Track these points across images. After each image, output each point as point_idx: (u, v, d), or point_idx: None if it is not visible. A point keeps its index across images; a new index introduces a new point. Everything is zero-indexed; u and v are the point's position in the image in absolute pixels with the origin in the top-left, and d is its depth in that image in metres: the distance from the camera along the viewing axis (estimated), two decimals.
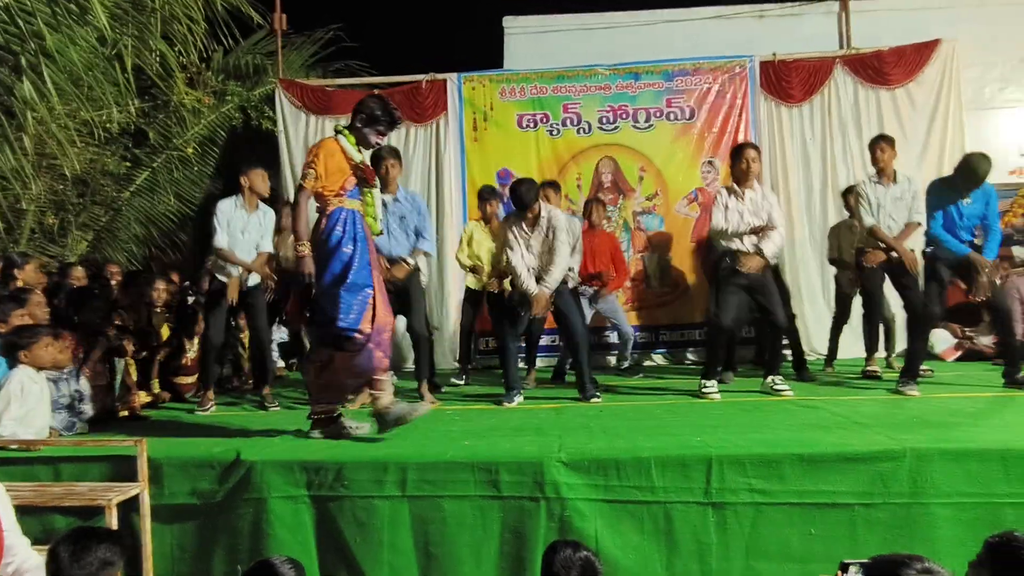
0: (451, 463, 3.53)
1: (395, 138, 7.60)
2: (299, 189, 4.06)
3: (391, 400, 4.05)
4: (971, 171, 4.90)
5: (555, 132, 7.50)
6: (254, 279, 5.27)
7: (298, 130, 7.71)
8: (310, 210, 4.09)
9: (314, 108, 7.69)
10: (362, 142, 4.12)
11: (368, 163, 4.21)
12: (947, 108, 7.23)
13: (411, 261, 5.25)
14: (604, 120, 7.48)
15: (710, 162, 7.41)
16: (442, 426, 4.36)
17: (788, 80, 7.36)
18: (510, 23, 8.72)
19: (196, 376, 5.75)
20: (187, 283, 6.80)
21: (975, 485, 3.30)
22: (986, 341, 6.48)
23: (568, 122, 7.49)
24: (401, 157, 5.49)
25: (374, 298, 3.95)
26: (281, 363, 7.31)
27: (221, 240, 5.08)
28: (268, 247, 5.32)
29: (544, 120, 7.52)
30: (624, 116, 7.47)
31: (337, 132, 4.13)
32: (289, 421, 4.56)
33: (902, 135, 7.09)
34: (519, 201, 5.07)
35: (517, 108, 7.54)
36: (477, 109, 7.56)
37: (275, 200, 6.37)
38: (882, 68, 7.28)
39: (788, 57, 7.44)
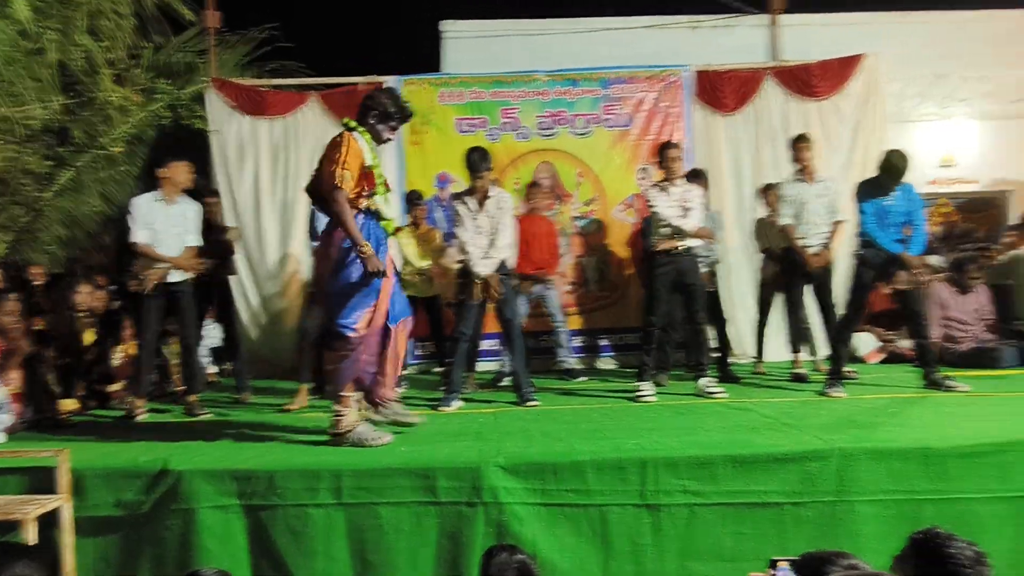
0: (388, 469, 3.49)
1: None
2: (336, 190, 3.79)
3: (354, 420, 3.94)
4: (892, 167, 5.11)
5: (494, 137, 7.51)
6: (178, 276, 5.07)
7: (231, 131, 7.52)
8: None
9: (248, 108, 7.53)
10: (375, 138, 4.03)
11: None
12: (871, 120, 7.50)
13: None
14: (542, 125, 7.53)
15: (645, 168, 7.53)
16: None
17: (721, 89, 7.54)
18: (448, 27, 8.72)
19: (123, 382, 5.55)
20: (113, 287, 6.56)
21: (897, 483, 3.42)
22: (907, 344, 6.75)
23: (507, 127, 7.52)
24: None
25: (376, 305, 3.87)
26: (214, 368, 7.12)
27: (139, 236, 4.89)
28: (195, 241, 5.14)
29: (483, 124, 7.53)
30: (562, 122, 7.53)
31: (351, 128, 3.96)
32: (220, 428, 4.44)
33: (828, 145, 7.36)
34: (471, 166, 5.04)
35: (456, 112, 7.53)
36: (416, 112, 7.49)
37: (211, 195, 6.24)
38: (810, 80, 7.52)
39: (721, 67, 7.62)
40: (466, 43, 8.65)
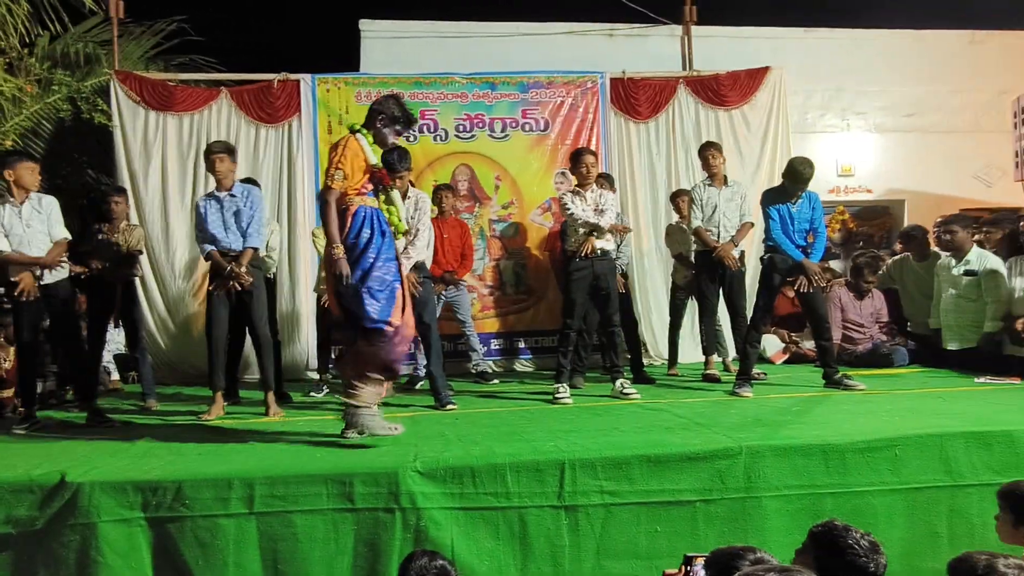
0: (302, 476, 3.41)
1: (243, 139, 7.31)
2: (327, 190, 3.98)
3: (368, 409, 3.99)
4: (796, 174, 5.33)
5: (411, 138, 7.45)
6: (50, 277, 4.82)
7: (136, 126, 7.20)
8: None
9: (154, 104, 7.23)
10: (380, 142, 4.15)
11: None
12: (777, 130, 7.83)
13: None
14: (461, 128, 7.53)
15: (563, 173, 7.62)
16: (293, 438, 4.21)
17: (636, 97, 7.71)
18: (367, 26, 8.59)
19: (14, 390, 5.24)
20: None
21: (800, 478, 3.57)
22: (810, 345, 7.06)
23: (425, 128, 7.47)
24: (234, 152, 5.27)
25: (402, 291, 4.01)
26: (116, 375, 6.80)
27: (1, 244, 4.66)
28: (61, 234, 4.89)
29: None
30: (480, 125, 7.55)
31: (355, 131, 4.09)
32: (123, 437, 4.24)
33: (738, 154, 7.63)
34: (388, 166, 5.00)
35: None
36: (332, 112, 7.38)
37: (116, 193, 5.96)
38: (720, 90, 7.79)
39: (636, 75, 7.79)
40: (385, 43, 8.55)
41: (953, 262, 6.06)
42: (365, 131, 4.10)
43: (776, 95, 7.83)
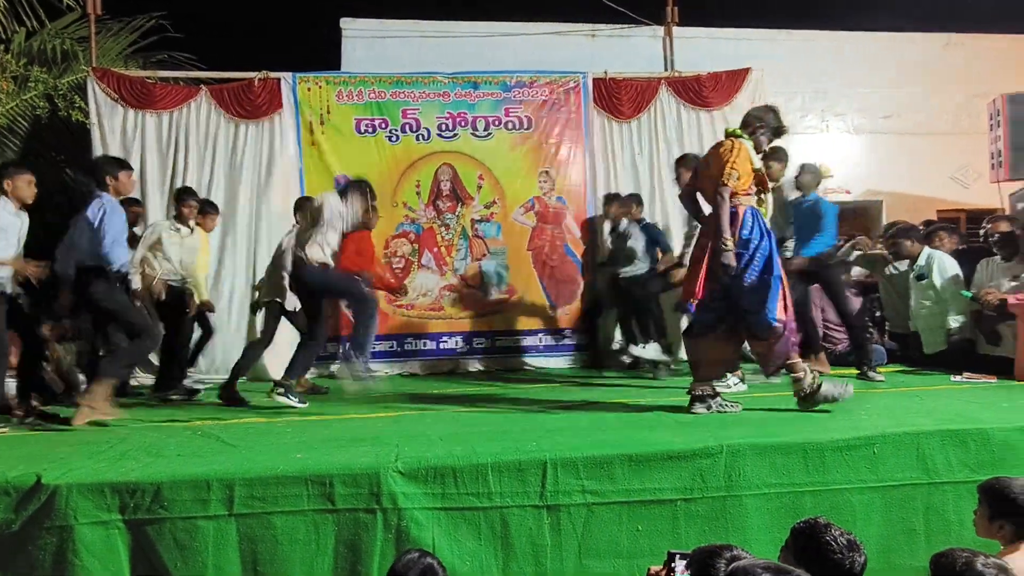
0: (282, 477, 3.38)
1: (223, 137, 7.26)
2: (722, 187, 4.32)
3: (812, 379, 4.38)
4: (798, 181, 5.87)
5: (394, 138, 7.44)
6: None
7: (114, 124, 7.12)
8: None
9: (133, 101, 7.15)
10: (756, 147, 4.51)
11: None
12: None
13: None
14: (443, 127, 7.51)
15: (546, 172, 7.64)
16: (272, 439, 4.18)
17: (618, 97, 7.74)
18: (347, 25, 8.56)
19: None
20: None
21: (780, 476, 3.59)
22: None
23: (407, 128, 7.45)
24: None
25: (783, 290, 4.35)
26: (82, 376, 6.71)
27: None
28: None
29: (383, 125, 7.44)
30: (463, 124, 7.54)
31: (737, 136, 4.45)
32: (99, 439, 4.19)
33: None
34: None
35: (355, 112, 7.41)
36: (313, 111, 7.34)
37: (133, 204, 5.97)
38: (701, 91, 7.83)
39: (618, 76, 7.82)
40: (366, 42, 8.52)
41: (905, 265, 6.29)
42: (747, 137, 4.47)
43: (756, 97, 7.87)
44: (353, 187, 5.40)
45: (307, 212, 5.45)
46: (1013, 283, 5.56)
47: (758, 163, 4.48)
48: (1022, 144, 7.13)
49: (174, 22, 8.98)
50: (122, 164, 5.10)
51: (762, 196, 4.53)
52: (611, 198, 7.04)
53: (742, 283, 4.33)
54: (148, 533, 3.28)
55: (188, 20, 9.11)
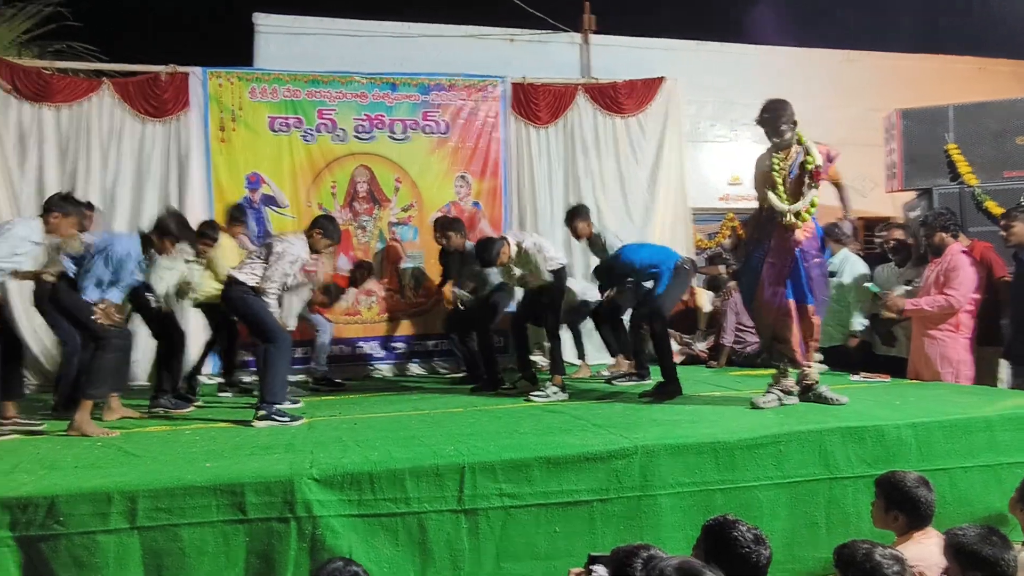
0: (190, 488, 3.25)
1: (128, 133, 6.95)
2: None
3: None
4: None
5: (309, 138, 7.29)
6: None
7: (7, 117, 6.73)
8: None
9: (28, 94, 6.77)
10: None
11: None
12: (671, 138, 8.10)
13: None
14: (360, 128, 7.41)
15: (463, 176, 7.63)
16: (179, 448, 4.02)
17: (536, 102, 7.81)
18: (261, 20, 8.35)
19: None
20: None
21: (692, 475, 3.68)
22: (701, 346, 7.34)
23: (323, 128, 7.32)
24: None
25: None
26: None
27: None
28: None
29: (298, 124, 7.28)
30: (380, 126, 7.45)
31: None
32: (1, 452, 3.94)
33: (635, 159, 7.86)
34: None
35: (269, 109, 7.22)
36: (224, 107, 7.12)
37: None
38: (617, 98, 7.99)
39: (536, 81, 7.89)
40: (281, 38, 8.32)
41: None
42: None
43: (670, 104, 8.10)
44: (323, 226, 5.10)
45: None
46: (906, 287, 5.88)
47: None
48: (915, 156, 7.55)
49: (73, 10, 8.55)
50: None
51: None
52: (574, 215, 6.31)
53: (816, 275, 4.66)
54: (42, 550, 3.10)
55: (89, 9, 8.69)
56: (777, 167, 4.63)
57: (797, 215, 4.54)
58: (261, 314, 4.82)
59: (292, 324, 4.98)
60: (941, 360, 5.44)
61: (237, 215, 6.40)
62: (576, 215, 6.26)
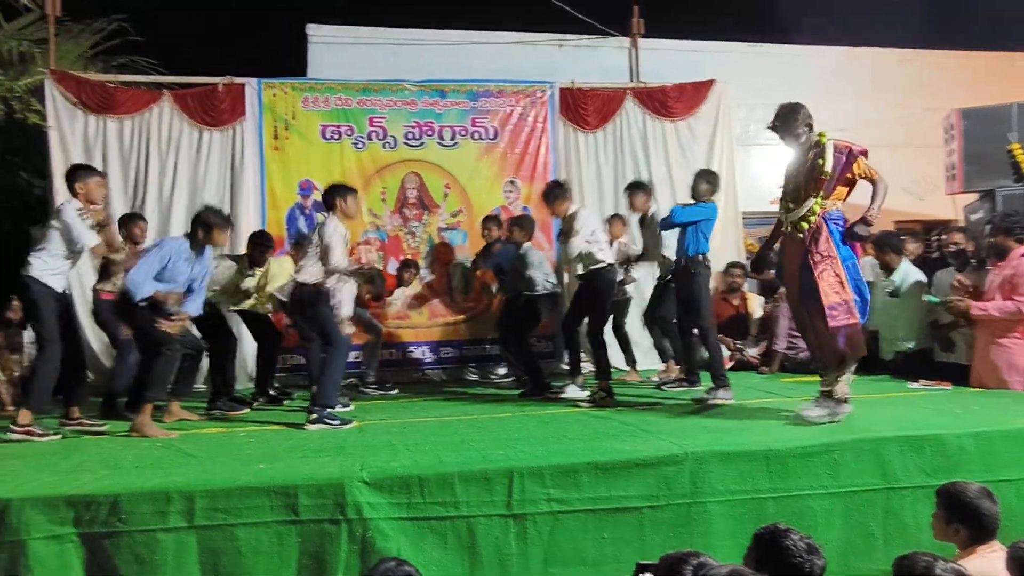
0: (244, 489, 3.33)
1: (187, 142, 7.16)
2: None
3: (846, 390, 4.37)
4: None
5: (360, 145, 7.40)
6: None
7: (74, 129, 6.97)
8: None
9: (93, 106, 7.01)
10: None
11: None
12: (722, 142, 8.00)
13: None
14: (410, 135, 7.49)
15: (512, 182, 7.66)
16: (234, 449, 4.12)
17: (584, 107, 7.80)
18: (314, 31, 8.52)
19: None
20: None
21: (743, 483, 3.64)
22: (752, 352, 7.22)
23: (373, 136, 7.42)
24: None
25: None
26: None
27: None
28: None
29: (349, 132, 7.40)
30: (430, 133, 7.53)
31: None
32: (52, 451, 4.09)
33: (685, 163, 7.78)
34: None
35: (321, 118, 7.36)
36: (278, 117, 7.28)
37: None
38: (666, 102, 7.93)
39: (585, 86, 7.88)
40: (333, 48, 8.48)
41: (884, 276, 6.30)
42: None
43: (720, 108, 8.00)
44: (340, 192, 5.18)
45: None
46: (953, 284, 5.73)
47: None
48: (975, 157, 7.30)
49: (135, 25, 8.84)
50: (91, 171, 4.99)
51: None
52: (635, 187, 6.42)
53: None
54: (105, 547, 3.21)
55: (150, 24, 8.98)
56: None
57: (795, 225, 4.42)
58: (327, 315, 4.98)
59: (347, 314, 5.07)
60: (1008, 368, 5.26)
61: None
62: (638, 186, 6.37)
